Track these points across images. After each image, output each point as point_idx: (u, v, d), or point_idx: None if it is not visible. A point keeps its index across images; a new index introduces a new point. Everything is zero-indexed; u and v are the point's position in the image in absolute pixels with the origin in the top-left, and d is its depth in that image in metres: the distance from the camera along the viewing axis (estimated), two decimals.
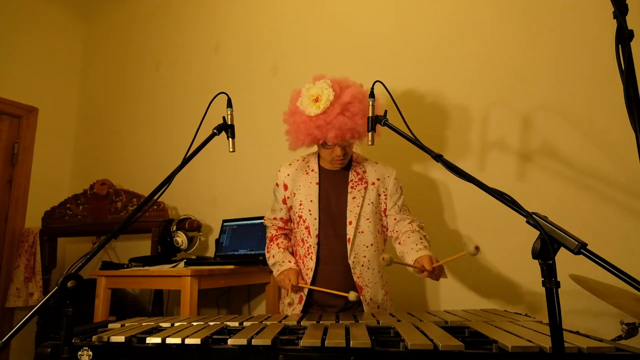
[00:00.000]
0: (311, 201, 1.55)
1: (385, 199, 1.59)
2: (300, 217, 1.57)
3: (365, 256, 1.52)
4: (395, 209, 1.58)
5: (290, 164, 1.65)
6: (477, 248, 1.12)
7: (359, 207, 1.53)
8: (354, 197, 1.54)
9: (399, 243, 1.53)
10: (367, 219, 1.53)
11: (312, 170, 1.60)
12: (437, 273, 1.31)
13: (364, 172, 1.60)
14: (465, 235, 1.94)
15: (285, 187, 1.62)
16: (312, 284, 1.51)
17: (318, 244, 1.52)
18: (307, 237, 1.54)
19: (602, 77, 1.72)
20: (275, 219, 1.68)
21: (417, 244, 1.43)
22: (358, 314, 1.30)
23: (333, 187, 1.58)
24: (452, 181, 1.99)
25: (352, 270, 1.50)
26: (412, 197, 2.04)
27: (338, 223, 1.53)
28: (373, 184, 1.58)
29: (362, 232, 1.52)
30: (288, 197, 1.62)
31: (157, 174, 2.55)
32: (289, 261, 1.55)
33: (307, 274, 1.52)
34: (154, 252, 2.59)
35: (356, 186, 1.56)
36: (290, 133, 1.55)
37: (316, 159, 1.63)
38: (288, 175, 1.62)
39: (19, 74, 3.30)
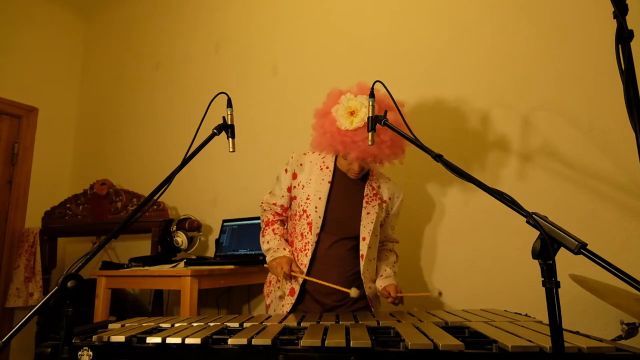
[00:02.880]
0: (320, 199, 1.52)
1: (387, 216, 1.63)
2: (304, 211, 1.53)
3: (368, 270, 1.54)
4: (390, 228, 1.68)
5: (305, 154, 1.61)
6: (440, 294, 1.38)
7: (372, 224, 1.52)
8: (368, 213, 1.53)
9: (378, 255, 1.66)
10: (376, 236, 1.56)
11: (327, 168, 1.57)
12: (397, 301, 1.50)
13: (379, 187, 1.59)
14: (464, 235, 1.94)
15: (294, 176, 1.58)
16: (304, 281, 1.49)
17: (317, 242, 1.51)
18: (308, 233, 1.51)
19: (602, 77, 1.72)
20: (275, 204, 1.65)
21: (388, 267, 1.62)
22: (358, 314, 1.30)
23: (346, 194, 1.55)
24: (452, 181, 1.99)
25: (364, 284, 1.50)
26: (412, 196, 2.04)
27: (346, 231, 1.52)
28: (385, 202, 1.58)
29: (370, 247, 1.53)
30: (294, 187, 1.58)
31: (157, 174, 2.54)
32: (284, 249, 1.53)
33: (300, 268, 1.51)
34: (154, 252, 2.59)
35: (371, 201, 1.55)
36: (315, 132, 1.52)
37: (333, 157, 1.60)
38: (301, 165, 1.58)
39: (19, 74, 3.30)
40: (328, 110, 1.47)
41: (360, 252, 1.51)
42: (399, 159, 1.50)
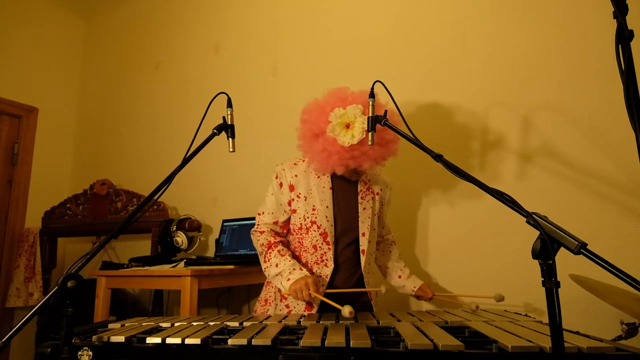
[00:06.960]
0: (327, 207, 1.49)
1: (382, 208, 1.65)
2: (313, 222, 1.49)
3: (370, 264, 1.56)
4: (386, 218, 1.71)
5: (295, 164, 1.55)
6: (477, 307, 1.41)
7: (370, 219, 1.54)
8: (364, 208, 1.55)
9: (377, 249, 1.73)
10: (374, 230, 1.58)
11: (324, 174, 1.54)
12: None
13: (369, 181, 1.61)
14: (465, 236, 1.94)
15: (292, 189, 1.52)
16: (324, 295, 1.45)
17: (336, 250, 1.49)
18: (322, 244, 1.48)
19: (602, 77, 1.72)
20: (275, 223, 1.55)
21: (401, 264, 1.71)
22: (358, 314, 1.30)
23: (343, 195, 1.56)
24: (452, 181, 1.99)
25: (364, 279, 1.51)
26: (411, 196, 2.04)
27: (350, 232, 1.53)
28: (377, 194, 1.60)
29: (370, 242, 1.54)
30: (293, 200, 1.52)
31: (157, 174, 2.55)
32: (300, 269, 1.40)
33: (321, 282, 1.48)
34: (154, 252, 2.58)
35: (365, 197, 1.57)
36: (315, 155, 1.46)
37: None
38: (295, 176, 1.52)
39: (19, 74, 3.30)
40: (320, 131, 1.43)
41: (361, 248, 1.52)
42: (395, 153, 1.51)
